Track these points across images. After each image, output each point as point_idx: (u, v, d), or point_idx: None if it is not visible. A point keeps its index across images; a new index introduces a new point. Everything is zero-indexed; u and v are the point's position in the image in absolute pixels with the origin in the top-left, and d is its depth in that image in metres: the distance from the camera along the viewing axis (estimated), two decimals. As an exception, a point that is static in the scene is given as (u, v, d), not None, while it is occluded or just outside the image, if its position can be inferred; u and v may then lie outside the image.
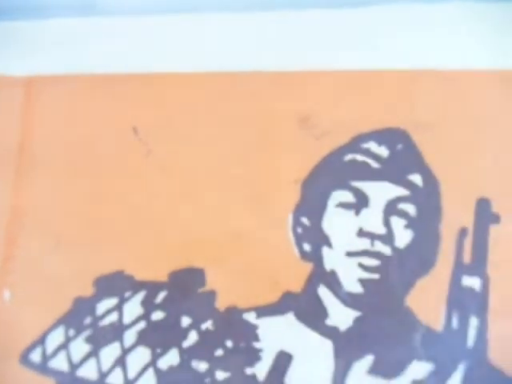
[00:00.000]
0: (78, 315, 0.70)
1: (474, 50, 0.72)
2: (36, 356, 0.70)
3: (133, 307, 0.69)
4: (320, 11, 0.71)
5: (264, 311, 0.69)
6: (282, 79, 0.74)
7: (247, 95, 0.74)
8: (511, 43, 0.71)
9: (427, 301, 0.69)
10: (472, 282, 0.69)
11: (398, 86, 0.73)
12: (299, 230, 0.71)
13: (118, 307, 0.70)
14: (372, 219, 0.70)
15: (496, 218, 0.70)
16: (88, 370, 0.68)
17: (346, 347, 0.68)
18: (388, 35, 0.72)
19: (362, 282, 0.69)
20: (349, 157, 0.72)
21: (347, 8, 0.71)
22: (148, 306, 0.69)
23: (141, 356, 0.67)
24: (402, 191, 0.71)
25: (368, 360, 0.67)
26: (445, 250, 0.70)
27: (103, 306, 0.70)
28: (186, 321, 0.69)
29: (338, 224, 0.70)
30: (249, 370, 0.68)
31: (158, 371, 0.67)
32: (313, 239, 0.71)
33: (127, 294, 0.70)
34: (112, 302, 0.70)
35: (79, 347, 0.69)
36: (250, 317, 0.69)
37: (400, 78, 0.73)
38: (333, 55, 0.73)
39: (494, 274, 0.69)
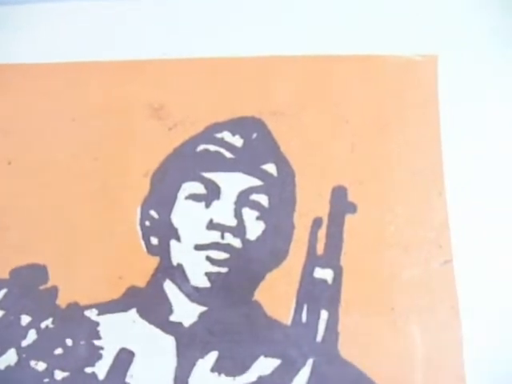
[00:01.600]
0: None
1: (331, 35, 0.94)
2: None
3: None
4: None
5: (106, 308, 0.87)
6: (135, 68, 0.94)
7: (99, 85, 0.95)
8: (370, 28, 0.94)
9: (277, 294, 0.87)
10: (324, 273, 0.88)
11: (254, 73, 0.94)
12: (147, 224, 0.90)
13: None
14: (223, 211, 0.89)
15: (352, 207, 0.90)
16: None
17: (190, 344, 0.85)
18: (239, 23, 0.94)
19: (209, 275, 0.87)
20: (201, 147, 0.92)
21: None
22: (-14, 304, 0.86)
23: (-23, 357, 0.84)
24: (255, 182, 0.90)
25: (212, 357, 0.85)
26: (298, 241, 0.89)
27: None
28: (25, 319, 0.86)
29: (188, 216, 0.89)
30: (89, 369, 0.85)
31: (-7, 372, 0.83)
32: (161, 232, 0.89)
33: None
34: None
35: None
36: (92, 314, 0.87)
37: (255, 66, 0.94)
38: (186, 43, 0.94)
39: (349, 264, 0.88)
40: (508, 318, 0.85)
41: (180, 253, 0.86)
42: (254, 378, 0.82)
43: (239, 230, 0.86)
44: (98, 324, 0.84)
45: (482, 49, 0.91)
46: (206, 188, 0.87)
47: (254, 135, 0.89)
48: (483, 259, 0.87)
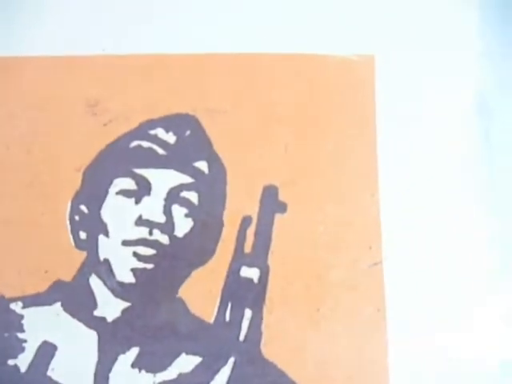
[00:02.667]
0: None
1: (268, 33, 0.94)
2: None
3: None
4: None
5: (31, 301, 0.87)
6: (72, 63, 0.94)
7: (35, 79, 0.95)
8: (308, 27, 0.94)
9: (202, 292, 0.87)
10: (251, 272, 0.88)
11: (189, 70, 0.94)
12: (77, 218, 0.90)
13: None
14: (152, 207, 0.89)
15: (282, 207, 0.90)
16: None
17: (112, 339, 0.85)
18: (175, 20, 0.95)
19: (135, 271, 0.87)
20: (135, 143, 0.92)
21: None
22: None
23: None
24: (186, 179, 0.90)
25: (133, 353, 0.85)
26: (226, 239, 0.89)
27: None
28: (-51, 312, 0.87)
29: (117, 212, 0.90)
30: (11, 361, 0.85)
31: None
32: (90, 227, 0.89)
33: None
34: None
35: None
36: (17, 307, 0.87)
37: (191, 63, 0.94)
38: (123, 39, 0.94)
39: (276, 264, 0.88)
40: (433, 321, 0.84)
41: (107, 248, 0.86)
42: (174, 375, 0.82)
43: (167, 227, 0.86)
44: (22, 317, 0.84)
45: (418, 49, 0.90)
46: (137, 184, 0.88)
47: (188, 132, 0.90)
48: (412, 262, 0.87)
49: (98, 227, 0.87)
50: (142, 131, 0.91)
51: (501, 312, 0.85)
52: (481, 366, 0.84)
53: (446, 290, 0.85)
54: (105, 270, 0.85)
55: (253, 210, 0.87)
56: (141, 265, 0.85)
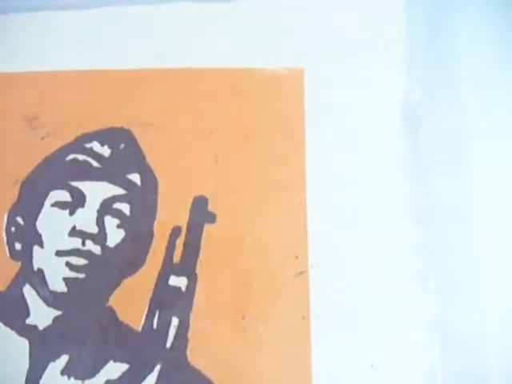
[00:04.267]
0: None
1: (198, 49, 0.98)
2: None
3: None
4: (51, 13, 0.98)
5: (-36, 310, 0.91)
6: (11, 79, 0.99)
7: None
8: (237, 41, 0.98)
9: (131, 301, 0.90)
10: (179, 281, 0.91)
11: (124, 85, 0.98)
12: (12, 229, 0.94)
13: None
14: (86, 219, 0.93)
15: (212, 217, 0.93)
16: None
17: (43, 347, 0.89)
18: (110, 36, 0.98)
19: (67, 281, 0.90)
20: (71, 156, 0.96)
21: (73, 9, 0.98)
22: None
23: None
24: (119, 191, 0.94)
25: (63, 360, 0.89)
26: (156, 249, 0.92)
27: None
28: None
29: (52, 223, 0.93)
30: None
31: None
32: (25, 238, 0.93)
33: None
34: None
35: None
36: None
37: (125, 78, 0.97)
38: (60, 55, 0.97)
39: (204, 272, 0.91)
40: (357, 329, 0.87)
41: (41, 258, 0.89)
42: (101, 382, 0.85)
43: (100, 238, 0.89)
44: (-45, 326, 0.88)
45: (346, 61, 0.93)
46: (72, 196, 0.91)
47: (122, 145, 0.93)
48: (338, 270, 0.89)
49: (33, 238, 0.90)
50: (77, 145, 0.94)
51: (424, 320, 0.87)
52: (403, 373, 0.86)
53: (369, 299, 0.88)
54: (38, 279, 0.88)
55: (183, 221, 0.90)
56: (73, 274, 0.88)
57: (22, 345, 0.86)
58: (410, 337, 0.87)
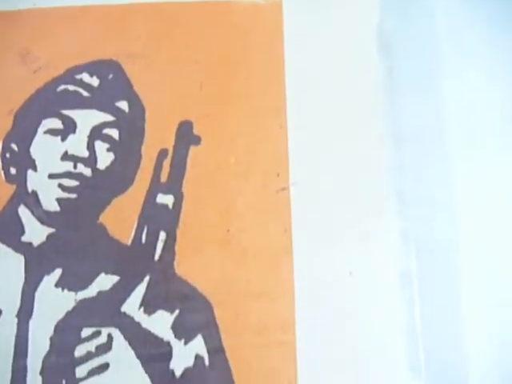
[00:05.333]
0: None
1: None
2: None
3: None
4: None
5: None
6: (4, 17, 1.05)
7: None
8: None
9: (121, 217, 0.95)
10: (166, 199, 0.96)
11: (113, 19, 1.03)
12: (7, 155, 0.99)
13: None
14: (77, 144, 0.98)
15: (197, 140, 0.99)
16: None
17: (37, 262, 0.94)
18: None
19: (60, 201, 0.95)
20: (62, 87, 1.01)
21: None
22: None
23: None
24: (108, 117, 0.99)
25: (57, 274, 0.93)
26: (144, 170, 0.97)
27: None
28: None
29: (45, 149, 0.98)
30: None
31: None
32: (19, 163, 0.98)
33: None
34: None
35: None
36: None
37: (113, 12, 1.02)
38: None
39: (190, 191, 0.96)
40: (336, 239, 0.92)
41: (35, 181, 0.94)
42: (94, 293, 0.89)
43: (90, 161, 0.94)
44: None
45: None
46: (63, 123, 0.96)
47: (110, 76, 0.98)
48: (318, 186, 0.94)
49: (27, 163, 0.95)
50: (68, 76, 0.99)
51: (400, 228, 0.92)
52: (380, 279, 0.91)
53: (348, 212, 0.93)
54: (32, 200, 0.93)
55: (169, 144, 0.95)
56: (65, 195, 0.93)
57: (18, 260, 0.91)
58: (388, 246, 0.92)
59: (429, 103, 0.97)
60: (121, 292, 0.89)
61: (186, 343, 0.87)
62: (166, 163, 0.94)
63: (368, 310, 0.90)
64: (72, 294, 0.89)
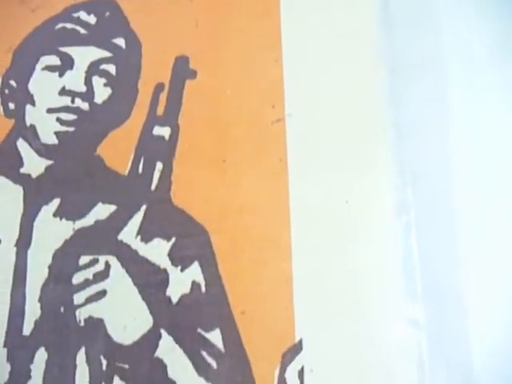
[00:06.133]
0: None
1: None
2: None
3: None
4: None
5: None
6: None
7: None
8: None
9: (118, 149, 0.96)
10: (162, 131, 0.97)
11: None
12: (6, 91, 1.01)
13: None
14: (75, 79, 0.99)
15: (193, 74, 0.99)
16: None
17: (36, 192, 0.95)
18: None
19: (58, 134, 0.96)
20: (59, 25, 1.02)
21: None
22: None
23: None
24: (105, 53, 1.00)
25: (55, 204, 0.95)
26: (141, 104, 0.98)
27: None
28: None
29: (43, 84, 1.00)
30: None
31: None
32: (18, 98, 0.99)
33: None
34: None
35: None
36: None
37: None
38: None
39: (186, 123, 0.97)
40: (334, 170, 0.92)
41: (33, 115, 0.96)
42: (91, 222, 0.91)
43: (88, 95, 0.95)
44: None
45: None
46: (61, 60, 0.97)
47: (107, 14, 0.99)
48: (313, 118, 0.94)
49: (26, 98, 0.97)
50: (66, 15, 1.01)
51: (396, 158, 0.92)
52: (376, 208, 0.91)
53: (344, 142, 0.93)
54: (31, 133, 0.95)
55: (166, 78, 0.96)
56: (63, 128, 0.94)
57: (17, 192, 0.92)
58: (384, 175, 0.92)
59: (426, 34, 0.97)
60: (118, 221, 0.89)
61: (182, 270, 0.88)
62: (163, 97, 0.95)
63: (365, 237, 0.90)
64: (70, 223, 0.90)
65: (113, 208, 0.90)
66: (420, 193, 0.90)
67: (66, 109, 0.94)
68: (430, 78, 0.94)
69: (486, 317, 0.88)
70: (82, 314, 0.86)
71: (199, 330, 0.86)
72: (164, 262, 0.87)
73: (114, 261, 0.87)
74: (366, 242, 0.89)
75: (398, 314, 0.87)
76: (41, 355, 0.85)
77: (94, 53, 0.97)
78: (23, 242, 0.90)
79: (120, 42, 0.97)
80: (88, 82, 0.95)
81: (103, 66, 0.96)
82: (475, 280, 0.88)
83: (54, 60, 0.97)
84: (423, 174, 0.91)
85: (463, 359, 0.87)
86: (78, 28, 0.98)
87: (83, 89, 0.94)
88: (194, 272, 0.88)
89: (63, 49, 0.97)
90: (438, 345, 0.86)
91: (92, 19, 0.98)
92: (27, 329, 0.86)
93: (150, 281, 0.87)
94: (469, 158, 0.91)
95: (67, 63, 0.96)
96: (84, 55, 0.97)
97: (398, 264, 0.88)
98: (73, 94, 0.94)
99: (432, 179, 0.90)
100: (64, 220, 0.90)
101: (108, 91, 0.95)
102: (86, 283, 0.87)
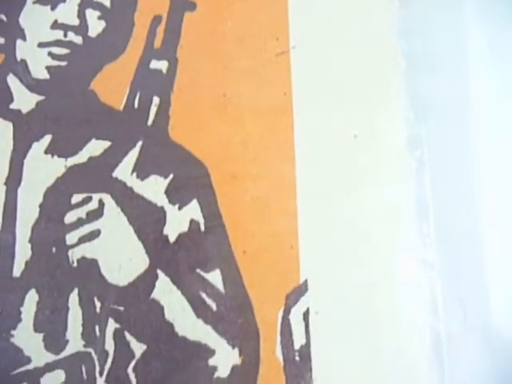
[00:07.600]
0: None
1: None
2: None
3: None
4: None
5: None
6: None
7: None
8: None
9: (113, 84, 0.90)
10: (159, 65, 0.91)
11: None
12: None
13: None
14: (67, 12, 0.94)
15: (192, 5, 0.94)
16: None
17: (26, 129, 0.90)
18: None
19: (49, 68, 0.91)
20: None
21: None
22: None
23: None
24: (99, -15, 0.96)
25: (46, 140, 0.90)
26: (137, 37, 0.93)
27: None
28: None
29: (34, 18, 0.94)
30: None
31: None
32: (8, 33, 0.94)
33: None
34: None
35: None
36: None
37: None
38: None
39: (184, 57, 0.92)
40: (342, 103, 0.87)
41: (24, 50, 0.91)
42: (84, 159, 0.86)
43: (81, 29, 0.90)
44: None
45: None
46: (53, -7, 0.92)
47: None
48: (318, 51, 0.90)
49: (16, 32, 0.92)
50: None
51: (407, 91, 0.87)
52: (386, 143, 0.86)
53: (350, 73, 0.88)
54: (21, 68, 0.90)
55: (163, 10, 0.91)
56: (55, 63, 0.89)
57: (7, 128, 0.88)
58: (395, 109, 0.87)
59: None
60: (112, 157, 0.85)
61: (180, 208, 0.83)
62: (160, 30, 0.90)
63: (374, 174, 0.85)
64: (62, 160, 0.86)
65: (107, 144, 0.85)
66: (434, 127, 0.85)
67: (58, 43, 0.89)
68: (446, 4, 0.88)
69: (505, 259, 0.83)
70: (74, 255, 0.81)
71: (198, 271, 0.81)
72: (161, 199, 0.83)
73: (108, 199, 0.83)
74: (376, 179, 0.84)
75: (410, 254, 0.82)
76: (32, 297, 0.81)
77: (87, -15, 0.91)
78: (13, 180, 0.85)
79: (115, -27, 0.92)
80: (81, 14, 0.90)
81: (97, 0, 0.91)
82: (491, 219, 0.83)
83: (46, -8, 0.92)
84: (437, 107, 0.85)
85: (480, 304, 0.82)
86: (71, -41, 0.92)
87: (76, 22, 0.90)
88: (193, 210, 0.83)
89: (54, -18, 0.92)
90: (453, 288, 0.81)
91: (86, -48, 0.93)
92: (17, 270, 0.82)
93: (146, 219, 0.82)
94: (486, 89, 0.85)
95: (60, -5, 0.90)
96: (77, -13, 0.91)
97: (410, 202, 0.83)
98: (65, 28, 0.90)
99: (446, 112, 0.85)
100: (56, 157, 0.85)
101: (102, 24, 0.90)
102: (79, 222, 0.83)
